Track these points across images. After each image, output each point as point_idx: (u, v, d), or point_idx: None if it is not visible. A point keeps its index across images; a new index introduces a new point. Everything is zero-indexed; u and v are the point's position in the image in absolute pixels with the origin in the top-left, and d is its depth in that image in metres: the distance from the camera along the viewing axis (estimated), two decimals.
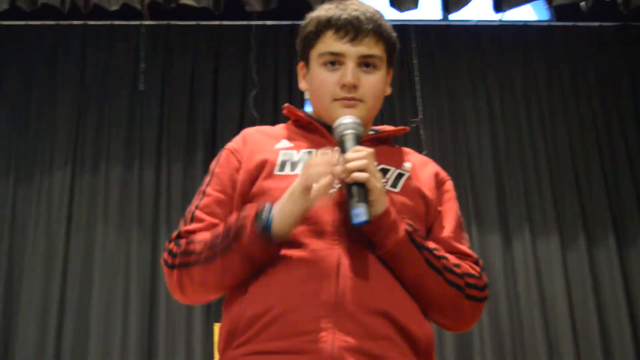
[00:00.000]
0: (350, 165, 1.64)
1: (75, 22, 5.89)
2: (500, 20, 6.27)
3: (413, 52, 6.10)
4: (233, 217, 1.72)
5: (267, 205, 1.67)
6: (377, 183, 1.66)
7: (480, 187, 5.81)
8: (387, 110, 5.94)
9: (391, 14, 5.27)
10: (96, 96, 5.87)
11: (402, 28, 6.08)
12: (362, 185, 1.64)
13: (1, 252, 5.40)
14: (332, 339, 1.57)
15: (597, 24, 6.22)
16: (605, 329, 5.40)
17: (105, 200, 5.56)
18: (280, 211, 1.64)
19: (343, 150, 1.72)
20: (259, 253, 1.66)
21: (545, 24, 6.36)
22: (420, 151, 5.60)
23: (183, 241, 1.78)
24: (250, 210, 1.68)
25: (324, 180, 1.62)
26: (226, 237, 1.68)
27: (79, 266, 5.40)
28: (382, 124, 5.72)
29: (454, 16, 6.05)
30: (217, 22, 5.91)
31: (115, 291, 5.31)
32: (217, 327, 4.85)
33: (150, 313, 5.30)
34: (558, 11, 6.23)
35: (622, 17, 5.69)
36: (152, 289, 5.32)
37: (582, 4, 5.06)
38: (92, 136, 5.76)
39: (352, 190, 1.64)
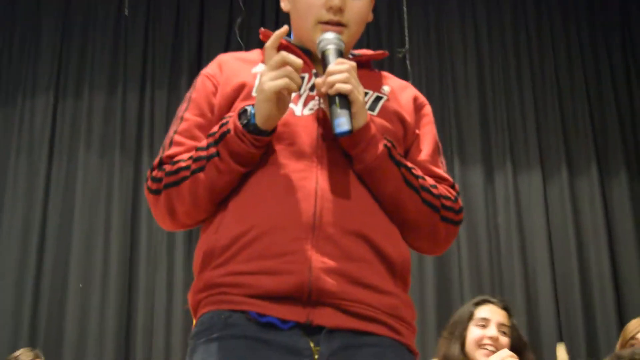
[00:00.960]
0: (333, 77, 1.62)
1: None
2: None
3: None
4: (216, 126, 1.69)
5: (249, 107, 1.65)
6: (360, 96, 1.64)
7: (464, 119, 5.79)
8: (374, 39, 5.91)
9: None
10: (81, 21, 5.80)
11: None
12: (344, 97, 1.62)
13: None
14: (310, 260, 1.56)
15: None
16: (584, 262, 5.43)
17: (88, 126, 5.54)
18: (259, 109, 1.62)
19: (325, 64, 1.70)
20: (248, 153, 1.64)
21: None
22: (406, 80, 5.68)
23: (167, 165, 1.74)
24: (231, 115, 1.68)
25: (283, 82, 1.59)
26: (211, 144, 1.66)
27: (61, 192, 5.41)
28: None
29: None
30: None
31: (96, 218, 5.32)
32: None
33: (132, 238, 5.32)
34: None
35: None
36: (133, 215, 5.34)
37: None
38: (75, 61, 5.71)
39: (335, 101, 1.63)
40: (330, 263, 1.57)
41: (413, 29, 5.95)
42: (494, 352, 2.83)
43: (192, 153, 1.70)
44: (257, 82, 1.75)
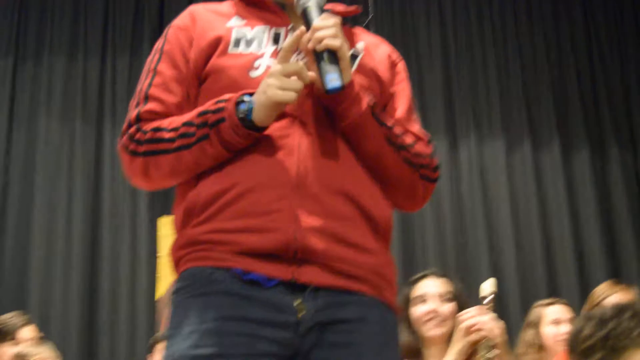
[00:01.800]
0: (321, 33, 1.58)
1: None
2: None
3: None
4: (208, 104, 1.63)
5: (247, 97, 1.59)
6: (347, 50, 1.62)
7: (428, 88, 5.81)
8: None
9: None
10: None
11: None
12: (332, 53, 1.58)
13: None
14: (296, 218, 1.55)
15: None
16: (547, 231, 5.52)
17: (48, 92, 5.48)
18: (262, 96, 1.57)
19: (307, 21, 1.65)
20: (239, 144, 1.61)
21: None
22: None
23: (148, 127, 1.68)
24: (229, 100, 1.61)
25: (289, 97, 1.55)
26: (203, 125, 1.61)
27: (21, 157, 5.37)
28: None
29: None
30: None
31: (58, 183, 5.29)
32: (162, 221, 4.83)
33: (94, 203, 5.29)
34: None
35: None
36: (95, 180, 5.29)
37: None
38: (35, 25, 5.64)
39: (323, 57, 1.59)
40: (316, 221, 1.56)
41: None
42: (440, 322, 2.81)
43: (179, 125, 1.65)
44: (235, 36, 1.74)
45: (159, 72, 1.74)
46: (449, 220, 5.49)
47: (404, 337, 2.81)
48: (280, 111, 1.59)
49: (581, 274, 5.35)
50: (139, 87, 1.76)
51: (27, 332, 3.99)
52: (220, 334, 1.50)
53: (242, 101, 1.59)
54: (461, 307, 2.83)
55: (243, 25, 1.77)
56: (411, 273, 5.07)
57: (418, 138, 1.79)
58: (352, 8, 1.91)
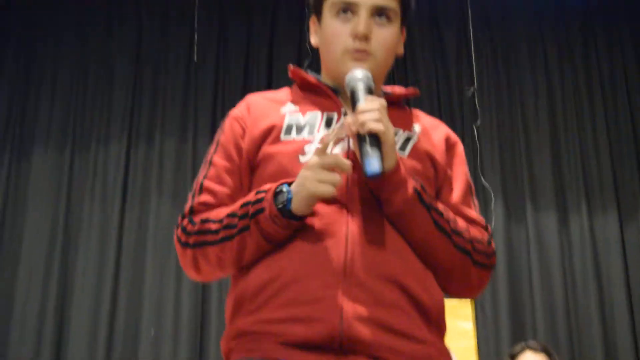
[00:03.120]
0: (364, 116, 1.58)
1: None
2: None
3: (469, 18, 6.02)
4: (250, 196, 1.66)
5: (285, 187, 1.60)
6: (391, 135, 1.61)
7: (536, 157, 5.75)
8: (442, 76, 5.98)
9: None
10: (152, 68, 5.87)
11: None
12: (375, 137, 1.58)
13: (58, 224, 5.42)
14: (342, 307, 1.53)
15: None
16: None
17: (159, 172, 5.57)
18: (300, 188, 1.58)
19: (354, 103, 1.67)
20: (278, 232, 1.61)
21: None
22: (474, 120, 5.65)
23: (197, 219, 1.72)
24: (266, 188, 1.64)
25: (326, 190, 1.56)
26: (243, 216, 1.63)
27: (133, 239, 5.43)
28: (438, 92, 5.71)
29: None
30: None
31: (168, 263, 5.32)
32: None
33: (203, 284, 5.30)
34: None
35: None
36: None
37: None
38: (147, 108, 5.77)
39: (365, 140, 1.58)
40: (362, 310, 1.54)
41: (482, 66, 5.97)
42: None
43: (224, 215, 1.67)
44: (287, 123, 1.78)
45: (213, 164, 1.79)
46: (559, 295, 5.36)
47: None
48: (318, 201, 1.60)
49: None
50: (197, 179, 1.81)
51: None
52: None
53: (281, 191, 1.60)
54: None
55: (296, 112, 1.80)
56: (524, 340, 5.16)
57: (473, 223, 1.77)
58: (410, 90, 1.93)
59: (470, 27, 5.97)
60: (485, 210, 5.53)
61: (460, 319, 5.27)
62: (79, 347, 5.12)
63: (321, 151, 1.59)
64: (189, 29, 5.92)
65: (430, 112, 5.31)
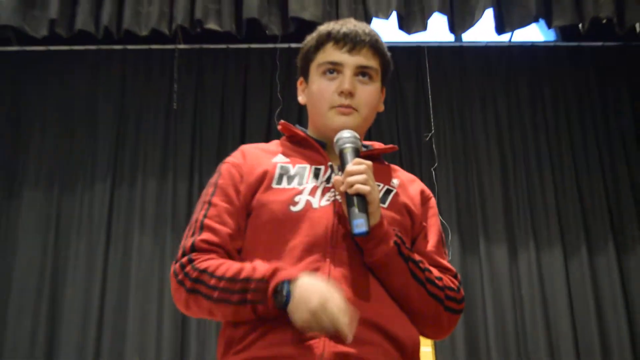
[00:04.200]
0: (352, 178, 1.63)
1: (115, 47, 6.00)
2: (510, 41, 6.28)
3: (427, 71, 6.14)
4: (252, 274, 1.62)
5: (286, 286, 1.58)
6: (376, 195, 1.66)
7: (488, 197, 5.83)
8: (402, 125, 6.03)
9: (402, 36, 5.33)
10: (135, 114, 5.98)
11: (417, 49, 6.19)
12: (362, 197, 1.63)
13: (47, 257, 5.51)
14: (323, 345, 1.56)
15: (599, 43, 6.23)
16: (604, 331, 5.43)
17: (141, 209, 5.66)
18: (294, 309, 1.56)
19: (343, 164, 1.72)
20: (272, 316, 1.62)
21: (552, 44, 6.37)
22: (432, 163, 5.77)
23: (198, 263, 1.70)
24: (269, 284, 1.60)
25: (314, 332, 1.57)
26: (242, 292, 1.62)
27: (118, 270, 5.51)
28: (398, 138, 5.79)
29: (466, 37, 6.09)
30: (245, 45, 5.99)
31: (150, 293, 5.40)
32: None
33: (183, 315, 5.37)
34: (563, 32, 6.24)
35: (624, 37, 5.65)
36: None
37: (580, 25, 5.10)
38: (130, 151, 5.86)
39: (353, 201, 1.63)
40: (343, 349, 1.56)
41: (438, 115, 6.04)
42: None
43: (222, 275, 1.65)
44: (278, 172, 1.82)
45: (213, 204, 1.79)
46: (510, 321, 5.43)
47: None
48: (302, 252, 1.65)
49: None
50: (194, 218, 1.80)
51: None
52: None
53: (281, 291, 1.57)
54: None
55: (287, 163, 1.85)
56: None
57: (445, 270, 1.82)
58: (389, 146, 2.01)
59: (428, 81, 6.07)
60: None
61: (421, 344, 5.46)
62: None
63: (323, 308, 1.52)
64: (168, 79, 6.03)
65: (392, 156, 5.51)
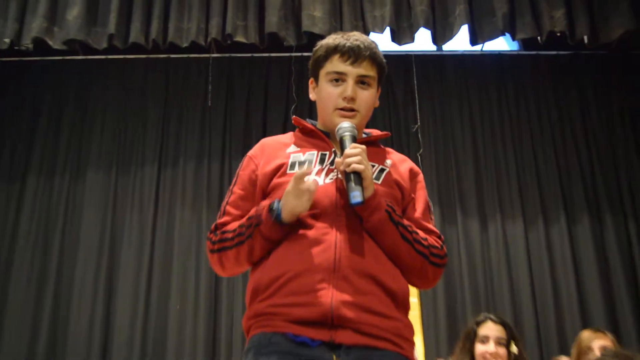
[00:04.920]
0: (349, 159, 1.66)
1: (160, 56, 6.03)
2: (481, 51, 6.29)
3: (414, 75, 6.17)
4: (253, 211, 1.74)
5: (276, 202, 1.68)
6: (369, 172, 1.68)
7: (463, 177, 5.85)
8: (394, 118, 6.03)
9: (394, 46, 5.32)
10: (176, 110, 6.01)
11: (406, 57, 6.20)
12: (357, 174, 1.65)
13: (106, 229, 5.59)
14: (331, 295, 1.60)
15: (554, 52, 6.24)
16: (557, 287, 5.48)
17: (182, 189, 5.69)
18: (285, 204, 1.66)
19: (342, 148, 1.74)
20: (275, 235, 1.69)
21: (515, 53, 6.37)
22: (418, 149, 5.78)
23: (219, 232, 1.80)
24: (264, 205, 1.71)
25: (301, 208, 1.67)
26: (249, 226, 1.71)
27: (164, 237, 5.57)
28: (391, 129, 5.76)
29: (446, 47, 6.08)
30: (266, 54, 6.02)
31: (189, 258, 5.46)
32: None
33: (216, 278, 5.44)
34: (525, 43, 6.21)
35: (574, 47, 5.65)
36: None
37: (539, 37, 5.13)
38: (173, 140, 5.91)
39: (350, 177, 1.65)
40: (347, 297, 1.60)
41: (423, 110, 6.05)
42: None
43: (237, 226, 1.75)
44: (291, 161, 1.83)
45: (233, 192, 1.86)
46: (481, 281, 5.48)
47: None
48: (307, 204, 1.67)
49: (583, 319, 5.27)
50: (223, 203, 1.89)
51: None
52: None
53: (273, 207, 1.67)
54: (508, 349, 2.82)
55: (298, 152, 1.85)
56: (454, 314, 5.30)
57: (431, 232, 1.83)
58: (384, 133, 2.02)
59: (415, 83, 6.09)
60: None
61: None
62: (123, 321, 5.28)
63: (297, 179, 1.63)
64: (204, 82, 6.05)
65: (385, 142, 5.56)
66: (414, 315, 5.36)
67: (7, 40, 4.87)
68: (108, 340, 5.26)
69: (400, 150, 5.64)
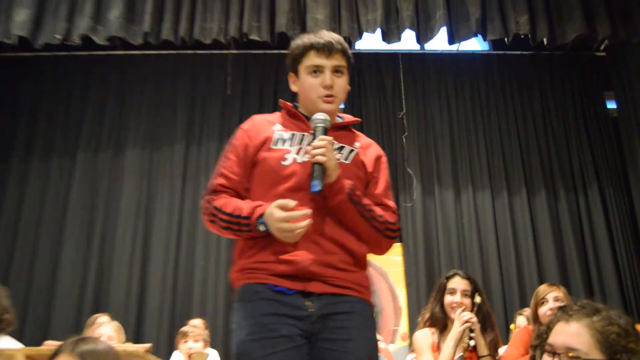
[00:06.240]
0: (315, 151, 1.64)
1: (187, 52, 5.97)
2: (457, 50, 6.26)
3: (400, 69, 6.12)
4: (245, 212, 1.66)
5: (261, 220, 1.63)
6: (332, 162, 1.65)
7: (440, 156, 5.86)
8: (383, 107, 5.99)
9: (384, 45, 5.28)
10: (200, 97, 5.99)
11: (394, 55, 6.13)
12: (320, 165, 1.63)
13: (142, 197, 5.60)
14: (303, 255, 1.62)
15: (519, 52, 6.21)
16: (519, 250, 5.52)
17: (206, 164, 5.68)
18: (270, 228, 1.62)
19: (314, 139, 1.70)
20: (257, 235, 1.67)
21: (486, 52, 6.34)
22: (403, 133, 5.76)
23: (214, 201, 1.73)
24: (255, 217, 1.64)
25: (288, 239, 1.62)
26: (239, 229, 1.67)
27: (191, 205, 5.58)
28: (380, 115, 5.74)
29: (427, 46, 6.04)
30: (276, 51, 5.92)
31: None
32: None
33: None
34: (494, 43, 6.17)
35: (535, 47, 5.61)
36: None
37: (505, 39, 5.11)
38: (198, 122, 5.89)
39: (314, 167, 1.63)
40: (315, 257, 1.63)
41: (409, 98, 6.02)
42: (461, 310, 2.74)
43: (228, 212, 1.67)
44: (275, 137, 1.76)
45: (228, 158, 1.79)
46: (454, 243, 5.51)
47: (437, 312, 2.80)
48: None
49: (540, 276, 5.30)
50: (217, 166, 1.81)
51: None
52: (263, 324, 1.57)
53: (259, 224, 1.62)
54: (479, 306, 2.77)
55: (282, 130, 1.79)
56: (432, 270, 5.28)
57: (387, 209, 1.79)
58: (354, 118, 1.92)
59: (401, 76, 6.06)
60: (409, 188, 5.60)
61: (393, 255, 5.43)
62: (156, 275, 5.28)
63: (282, 218, 1.58)
64: (224, 74, 6.02)
65: (375, 128, 5.57)
66: (399, 272, 5.39)
67: (59, 36, 4.80)
68: (143, 290, 5.29)
69: (388, 133, 5.87)
